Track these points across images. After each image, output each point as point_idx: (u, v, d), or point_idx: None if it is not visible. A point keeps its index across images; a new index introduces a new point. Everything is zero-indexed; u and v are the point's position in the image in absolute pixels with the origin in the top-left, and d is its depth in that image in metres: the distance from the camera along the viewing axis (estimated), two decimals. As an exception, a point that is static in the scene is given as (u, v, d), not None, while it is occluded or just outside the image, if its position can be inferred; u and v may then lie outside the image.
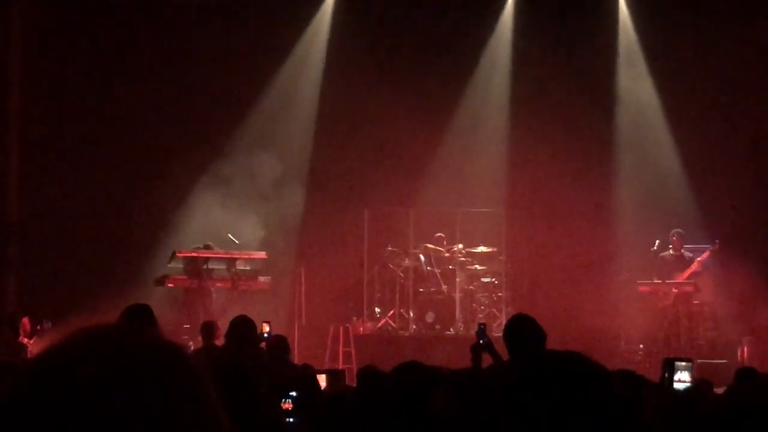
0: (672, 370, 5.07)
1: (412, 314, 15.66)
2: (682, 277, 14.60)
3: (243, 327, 7.67)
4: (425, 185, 16.53)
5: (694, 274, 14.65)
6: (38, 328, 12.39)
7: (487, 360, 6.26)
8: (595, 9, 16.62)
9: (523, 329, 5.73)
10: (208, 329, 9.35)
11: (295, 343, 14.34)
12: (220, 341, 8.73)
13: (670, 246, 14.74)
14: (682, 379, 5.03)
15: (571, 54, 16.11)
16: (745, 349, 14.36)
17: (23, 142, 16.22)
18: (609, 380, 1.53)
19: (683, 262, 14.69)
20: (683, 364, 5.10)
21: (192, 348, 12.37)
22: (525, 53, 16.59)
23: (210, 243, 15.03)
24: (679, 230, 14.77)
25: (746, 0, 16.07)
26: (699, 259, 14.68)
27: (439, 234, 16.08)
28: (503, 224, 16.29)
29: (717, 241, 14.79)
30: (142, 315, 7.15)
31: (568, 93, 16.15)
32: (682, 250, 14.78)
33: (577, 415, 1.48)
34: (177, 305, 14.83)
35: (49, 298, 14.87)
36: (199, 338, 10.33)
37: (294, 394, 5.61)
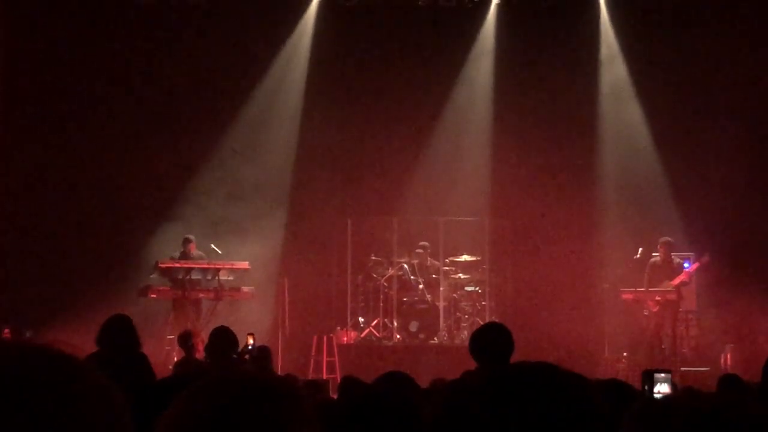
0: (651, 382, 5.06)
1: (395, 323, 15.64)
2: (672, 284, 14.60)
3: (223, 339, 7.62)
4: (408, 194, 16.53)
5: (682, 284, 14.68)
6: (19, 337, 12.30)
7: None
8: (576, 18, 16.65)
9: (487, 338, 5.71)
10: (185, 340, 9.27)
11: (279, 353, 14.29)
12: (201, 353, 8.66)
13: (657, 254, 14.76)
14: (661, 391, 5.02)
15: (554, 64, 16.14)
16: (728, 357, 14.41)
17: (2, 151, 16.10)
18: (582, 389, 1.52)
19: (672, 269, 14.69)
20: (662, 375, 5.09)
21: (175, 359, 12.35)
22: (508, 63, 16.62)
23: (190, 236, 14.99)
24: (667, 238, 14.80)
25: (726, 3, 16.12)
26: (688, 269, 14.72)
27: (424, 243, 16.06)
28: (486, 233, 16.30)
29: (707, 254, 14.82)
30: (121, 326, 7.12)
31: (551, 102, 16.19)
32: (673, 257, 14.81)
33: (549, 425, 1.47)
34: (166, 315, 14.79)
35: (31, 308, 14.77)
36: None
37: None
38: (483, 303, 15.88)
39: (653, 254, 14.79)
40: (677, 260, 14.82)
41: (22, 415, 1.17)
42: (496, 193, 16.59)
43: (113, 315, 7.28)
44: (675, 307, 14.71)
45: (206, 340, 8.11)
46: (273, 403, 1.48)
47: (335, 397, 6.68)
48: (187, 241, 14.95)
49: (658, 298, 14.60)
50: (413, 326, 15.55)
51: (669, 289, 14.59)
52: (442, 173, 16.62)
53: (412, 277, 15.87)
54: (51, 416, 1.18)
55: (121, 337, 7.05)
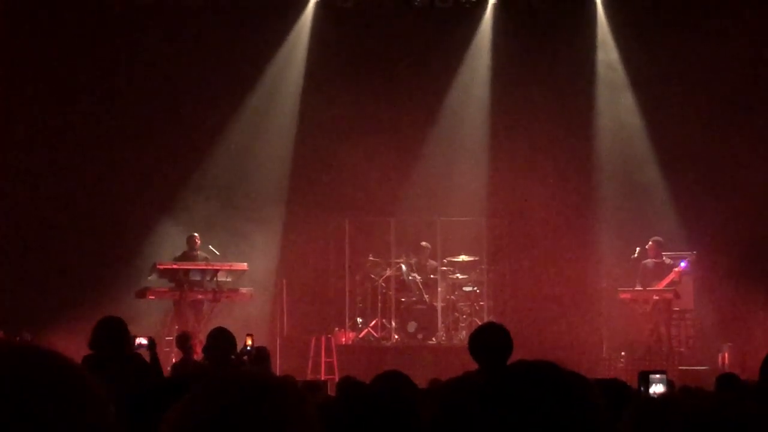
0: (647, 383, 5.08)
1: (394, 324, 15.64)
2: (660, 285, 14.65)
3: (221, 340, 7.59)
4: (406, 195, 16.52)
5: (672, 283, 14.70)
6: (17, 339, 12.27)
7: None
8: (572, 18, 16.63)
9: (486, 338, 5.72)
10: (183, 341, 9.24)
11: (277, 354, 14.28)
12: (199, 355, 8.64)
13: (648, 253, 14.80)
14: (656, 392, 5.04)
15: (551, 64, 16.14)
16: (726, 356, 14.42)
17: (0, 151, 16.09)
18: (582, 388, 1.52)
19: (663, 270, 14.73)
20: (657, 376, 5.11)
21: (173, 361, 12.34)
22: (505, 63, 16.62)
23: (195, 233, 15.00)
24: (657, 238, 14.82)
25: (723, 4, 16.11)
26: (677, 269, 14.73)
27: (424, 243, 16.06)
28: (484, 233, 16.30)
29: (694, 252, 14.92)
30: (114, 328, 7.09)
31: (548, 103, 16.18)
32: (664, 257, 14.83)
33: (549, 424, 1.47)
34: (165, 317, 14.78)
35: (29, 310, 14.75)
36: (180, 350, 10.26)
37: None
38: (481, 303, 15.88)
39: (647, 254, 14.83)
40: (668, 261, 14.83)
41: (19, 417, 1.16)
42: (494, 193, 16.59)
43: (104, 317, 7.24)
44: (668, 306, 14.72)
45: (204, 342, 8.09)
46: (273, 403, 1.49)
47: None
48: (191, 238, 14.96)
49: (655, 297, 14.61)
50: (411, 327, 15.54)
51: (668, 288, 14.61)
52: (439, 174, 16.61)
53: (410, 278, 15.87)
54: (48, 419, 1.18)
55: (114, 339, 7.03)
